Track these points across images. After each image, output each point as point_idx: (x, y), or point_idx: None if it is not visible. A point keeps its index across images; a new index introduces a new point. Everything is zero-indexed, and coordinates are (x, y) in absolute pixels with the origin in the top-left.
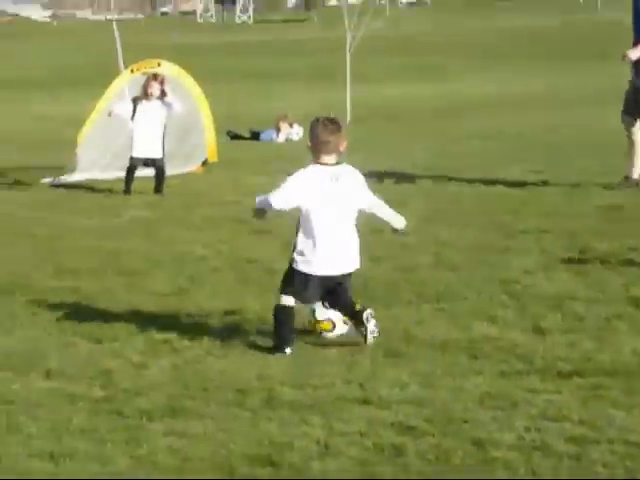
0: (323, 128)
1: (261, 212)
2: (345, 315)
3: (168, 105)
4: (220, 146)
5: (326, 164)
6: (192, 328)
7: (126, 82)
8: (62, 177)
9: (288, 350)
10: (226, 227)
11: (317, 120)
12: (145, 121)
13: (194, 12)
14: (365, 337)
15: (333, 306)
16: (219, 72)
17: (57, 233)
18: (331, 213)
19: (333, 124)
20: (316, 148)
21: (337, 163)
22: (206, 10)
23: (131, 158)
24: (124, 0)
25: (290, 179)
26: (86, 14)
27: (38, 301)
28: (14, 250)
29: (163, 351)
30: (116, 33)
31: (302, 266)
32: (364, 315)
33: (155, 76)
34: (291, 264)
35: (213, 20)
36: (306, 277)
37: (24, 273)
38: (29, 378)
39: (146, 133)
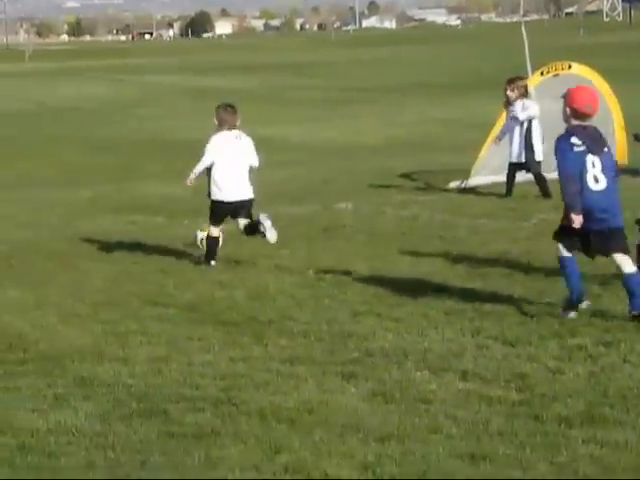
0: (224, 111)
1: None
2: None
3: (526, 108)
4: (629, 149)
5: (229, 130)
6: (606, 334)
7: (534, 85)
8: (469, 180)
9: (213, 262)
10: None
11: (219, 106)
12: (514, 126)
13: (600, 11)
14: (263, 234)
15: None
16: (628, 72)
17: (465, 235)
18: (234, 160)
19: (231, 107)
20: (221, 123)
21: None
22: (612, 9)
23: (510, 164)
24: (529, 2)
25: (207, 147)
26: (490, 17)
27: (451, 302)
28: (422, 252)
29: (578, 357)
30: (524, 36)
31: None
32: (259, 217)
33: (509, 82)
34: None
35: (619, 19)
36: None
37: (436, 274)
38: (446, 379)
39: (516, 138)
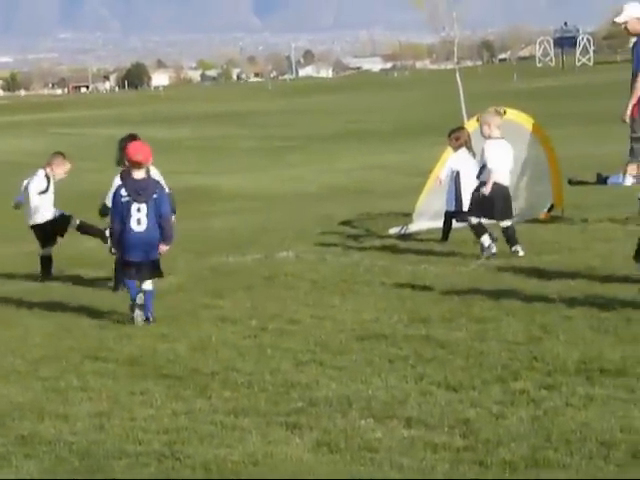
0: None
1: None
2: None
3: (448, 162)
4: (565, 192)
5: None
6: (548, 378)
7: (471, 131)
8: (409, 226)
9: None
10: (577, 274)
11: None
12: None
13: (532, 57)
14: None
15: None
16: (562, 116)
17: (406, 281)
18: None
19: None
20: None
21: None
22: (545, 54)
23: (445, 211)
24: (462, 49)
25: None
26: (425, 64)
27: (394, 349)
28: (366, 299)
29: (521, 401)
30: (459, 83)
31: None
32: None
33: (449, 134)
34: None
35: (552, 64)
36: None
37: (379, 321)
38: (390, 426)
39: (451, 187)
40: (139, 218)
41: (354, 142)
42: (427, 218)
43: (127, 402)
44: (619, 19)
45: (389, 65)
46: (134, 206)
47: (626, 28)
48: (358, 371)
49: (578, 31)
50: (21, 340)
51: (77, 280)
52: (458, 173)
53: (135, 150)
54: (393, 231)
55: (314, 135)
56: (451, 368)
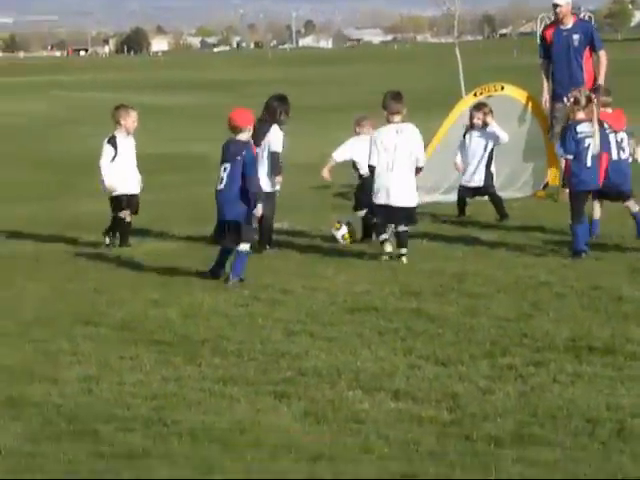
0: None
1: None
2: None
3: (490, 135)
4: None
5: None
6: (537, 354)
7: (469, 106)
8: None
9: None
10: (568, 253)
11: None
12: (478, 149)
13: (533, 33)
14: None
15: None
16: None
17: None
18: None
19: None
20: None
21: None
22: None
23: (460, 187)
24: (463, 23)
25: None
26: (426, 37)
27: (384, 322)
28: (359, 271)
29: (508, 377)
30: (458, 57)
31: None
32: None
33: (478, 106)
34: None
35: None
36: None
37: (371, 293)
38: (378, 398)
39: (482, 162)
40: (222, 176)
41: (353, 113)
42: (424, 191)
43: (116, 367)
44: (560, 1)
45: (390, 37)
46: (222, 166)
47: (559, 12)
48: (348, 343)
49: (579, 9)
50: (13, 302)
51: (74, 244)
52: (493, 147)
53: (231, 116)
54: None
55: (312, 106)
56: (440, 342)
